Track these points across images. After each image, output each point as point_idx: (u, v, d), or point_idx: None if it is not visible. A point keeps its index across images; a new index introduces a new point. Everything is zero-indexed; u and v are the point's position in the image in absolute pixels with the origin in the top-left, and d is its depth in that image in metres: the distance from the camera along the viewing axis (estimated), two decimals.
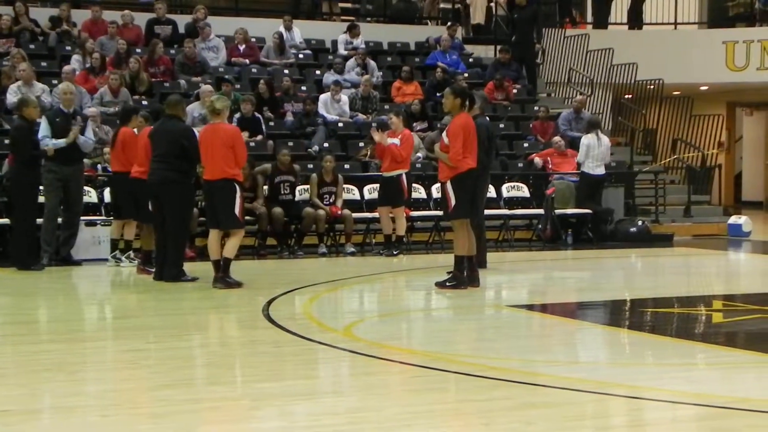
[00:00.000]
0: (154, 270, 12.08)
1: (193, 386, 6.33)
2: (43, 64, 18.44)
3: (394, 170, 14.96)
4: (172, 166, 11.59)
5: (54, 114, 13.88)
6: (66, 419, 5.41)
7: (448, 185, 10.82)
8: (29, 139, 13.22)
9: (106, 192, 15.09)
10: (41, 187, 13.77)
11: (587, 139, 17.38)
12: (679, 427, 5.35)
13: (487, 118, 14.21)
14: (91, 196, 15.06)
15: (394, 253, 14.95)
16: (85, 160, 15.09)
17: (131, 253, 13.64)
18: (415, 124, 18.92)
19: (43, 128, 13.53)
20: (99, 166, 15.77)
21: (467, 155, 10.71)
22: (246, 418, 5.42)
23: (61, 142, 13.44)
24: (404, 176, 15.05)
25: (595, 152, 17.33)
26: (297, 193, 15.76)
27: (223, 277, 11.05)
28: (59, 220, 13.83)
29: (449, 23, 22.74)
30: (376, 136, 15.13)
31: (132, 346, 8.03)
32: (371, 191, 16.23)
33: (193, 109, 16.72)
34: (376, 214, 15.46)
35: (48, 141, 13.41)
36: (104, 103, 17.19)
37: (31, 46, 18.97)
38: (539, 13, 22.42)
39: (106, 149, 15.34)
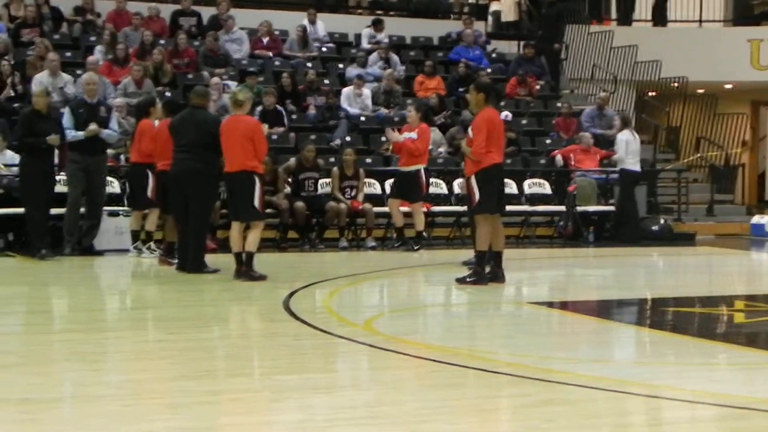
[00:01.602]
0: (176, 261, 12.11)
1: (214, 378, 6.34)
2: (68, 54, 18.52)
3: (412, 165, 14.86)
4: (199, 156, 11.56)
5: (78, 105, 13.94)
6: (85, 408, 5.44)
7: (473, 180, 10.80)
8: (24, 126, 13.22)
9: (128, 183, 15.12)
10: (62, 177, 13.86)
11: (624, 136, 17.17)
12: (699, 427, 5.33)
13: (506, 113, 14.19)
14: (113, 186, 15.12)
15: (415, 248, 14.91)
16: (109, 151, 15.14)
17: (152, 244, 13.68)
18: (434, 118, 18.89)
19: (66, 119, 13.60)
20: (122, 157, 15.81)
21: (492, 150, 10.68)
22: (265, 411, 5.44)
23: (80, 134, 13.49)
24: (422, 171, 14.99)
25: (632, 148, 17.19)
26: (319, 186, 15.78)
27: (247, 271, 11.07)
28: (82, 210, 13.90)
29: (465, 17, 22.72)
30: (390, 136, 15.12)
31: (153, 337, 8.08)
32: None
33: None
34: (405, 208, 15.36)
35: (69, 133, 13.47)
36: (128, 94, 17.25)
37: (55, 36, 19.04)
38: (565, 9, 22.38)
39: (129, 142, 15.41)
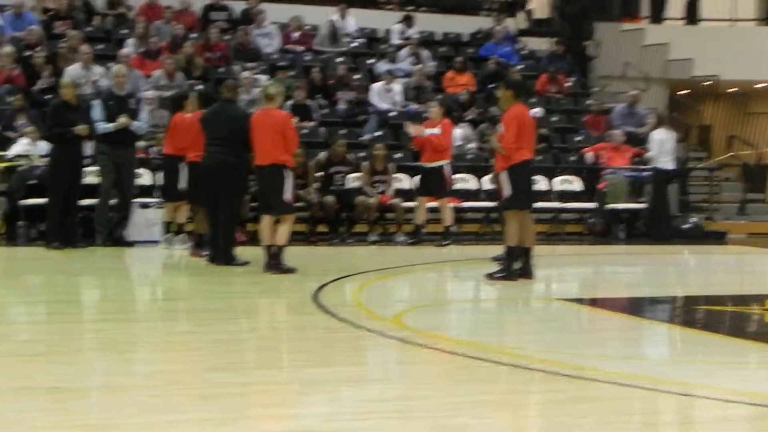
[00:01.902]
0: (206, 253, 12.14)
1: (242, 369, 6.35)
2: (99, 46, 18.59)
3: (435, 161, 14.88)
4: (231, 150, 11.58)
5: (107, 97, 14.01)
6: (115, 398, 5.45)
7: (503, 175, 10.77)
8: (52, 118, 13.31)
9: (159, 175, 15.20)
10: (94, 168, 13.94)
11: (659, 134, 17.07)
12: (730, 426, 5.29)
13: (536, 110, 14.16)
14: (145, 178, 15.18)
15: (444, 244, 14.88)
16: (140, 143, 15.23)
17: (183, 236, 13.73)
18: (464, 114, 18.88)
19: (97, 112, 13.67)
20: (153, 149, 15.87)
21: (522, 146, 10.65)
22: (294, 403, 5.43)
23: (110, 126, 13.56)
24: (446, 167, 14.98)
25: (667, 147, 17.08)
26: (349, 180, 15.77)
27: (276, 264, 11.08)
28: (113, 201, 13.98)
29: (496, 13, 22.67)
30: (412, 130, 15.10)
31: (183, 328, 8.10)
32: None
33: None
34: (433, 204, 15.34)
35: (100, 125, 13.54)
36: (159, 87, 17.31)
37: (88, 29, 19.13)
38: (589, 6, 22.30)
39: (161, 135, 15.47)
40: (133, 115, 13.86)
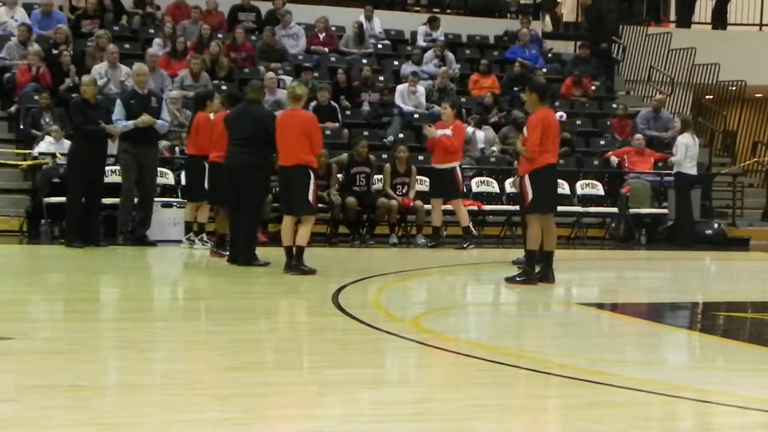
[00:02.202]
0: (227, 253, 12.18)
1: (261, 370, 6.37)
2: (126, 46, 18.69)
3: (447, 162, 14.82)
4: (254, 150, 11.59)
5: (129, 96, 14.05)
6: (134, 397, 5.48)
7: (527, 179, 10.76)
8: (79, 115, 13.39)
9: (182, 175, 15.28)
10: (115, 168, 14.02)
11: (684, 139, 16.96)
12: None
13: (561, 113, 14.11)
14: (168, 178, 15.24)
15: (465, 246, 14.86)
16: (163, 142, 15.29)
17: (204, 236, 13.78)
18: (488, 117, 18.88)
19: (117, 111, 13.71)
20: (177, 149, 15.95)
21: (547, 150, 10.63)
22: (312, 404, 5.45)
23: (130, 123, 13.61)
24: (458, 169, 14.92)
25: (692, 152, 16.99)
26: (371, 182, 15.78)
27: (297, 265, 11.10)
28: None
29: (521, 17, 22.66)
30: (427, 132, 15.08)
31: (202, 328, 8.13)
32: None
33: None
34: (449, 206, 15.33)
35: (119, 123, 13.60)
36: (185, 87, 17.38)
37: (115, 28, 19.23)
38: (604, 10, 22.26)
39: (184, 135, 15.53)
40: (155, 113, 13.90)
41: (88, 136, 13.29)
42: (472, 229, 15.42)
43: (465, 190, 15.75)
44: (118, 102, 13.93)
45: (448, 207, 15.21)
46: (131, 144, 13.74)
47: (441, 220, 15.26)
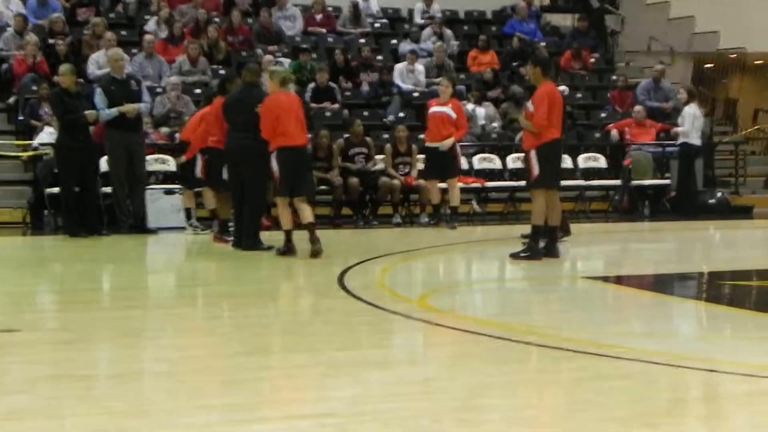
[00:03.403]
0: (231, 239, 12.17)
1: (269, 354, 6.39)
2: (123, 33, 18.64)
3: (447, 140, 14.63)
4: (255, 135, 11.51)
5: (108, 82, 13.95)
6: (142, 384, 5.50)
7: (532, 154, 10.73)
8: (58, 106, 13.33)
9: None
10: (104, 157, 13.99)
11: (691, 109, 16.89)
12: (757, 401, 5.28)
13: (564, 87, 14.04)
14: (169, 165, 15.23)
15: (455, 225, 14.65)
16: (164, 129, 15.26)
17: (194, 221, 13.86)
18: (488, 93, 18.83)
19: (98, 99, 13.63)
20: (176, 135, 15.91)
21: (552, 125, 10.61)
22: (320, 386, 5.46)
23: (114, 111, 13.53)
24: (457, 147, 14.82)
25: (698, 123, 16.92)
26: (373, 161, 15.72)
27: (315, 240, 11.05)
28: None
29: None
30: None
31: (208, 314, 8.15)
32: None
33: None
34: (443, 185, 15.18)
35: (102, 112, 13.51)
36: (183, 73, 17.35)
37: (111, 15, 19.18)
38: None
39: (186, 118, 15.48)
40: (136, 96, 13.83)
41: (69, 126, 13.23)
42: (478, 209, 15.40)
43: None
44: (98, 90, 13.83)
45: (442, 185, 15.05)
46: (117, 131, 13.67)
47: (439, 197, 15.12)
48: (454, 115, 14.63)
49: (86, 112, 13.24)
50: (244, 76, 12.13)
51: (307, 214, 11.09)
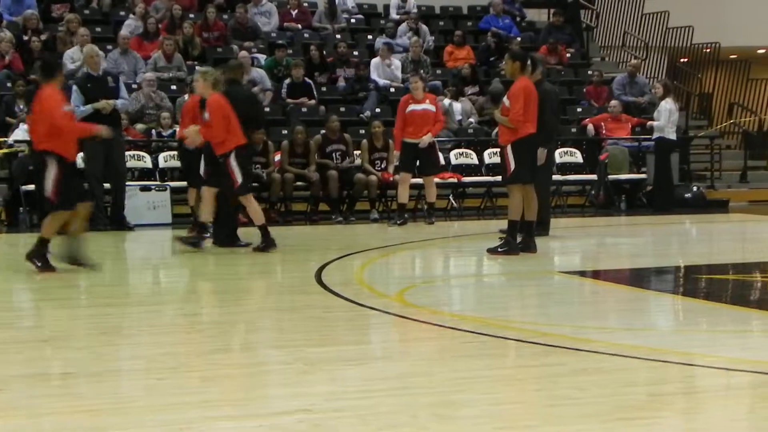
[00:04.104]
0: (208, 235, 12.13)
1: (247, 350, 6.38)
2: (98, 29, 18.56)
3: (425, 136, 14.50)
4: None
5: (84, 80, 13.86)
6: (121, 382, 5.48)
7: (508, 149, 10.75)
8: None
9: (160, 157, 15.22)
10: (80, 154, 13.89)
11: (668, 104, 16.93)
12: (734, 395, 5.31)
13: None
14: (145, 161, 15.17)
15: (433, 221, 14.67)
16: (138, 125, 15.20)
17: None
18: (466, 89, 18.85)
19: (74, 97, 13.55)
20: (153, 132, 15.88)
21: (528, 120, 10.63)
22: (298, 383, 5.45)
23: (88, 108, 13.43)
24: (436, 142, 14.80)
25: (674, 117, 16.98)
26: (350, 159, 15.69)
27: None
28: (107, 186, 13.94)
29: None
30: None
31: (186, 311, 8.12)
32: None
33: None
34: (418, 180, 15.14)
35: (77, 109, 13.45)
36: (158, 69, 17.28)
37: (86, 12, 19.09)
38: None
39: (164, 114, 15.45)
40: (113, 94, 13.74)
41: None
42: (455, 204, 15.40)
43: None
44: (74, 88, 13.75)
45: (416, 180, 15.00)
46: None
47: (407, 196, 14.87)
48: (434, 110, 14.61)
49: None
50: (225, 73, 12.07)
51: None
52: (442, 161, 16.20)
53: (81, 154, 13.85)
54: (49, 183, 9.36)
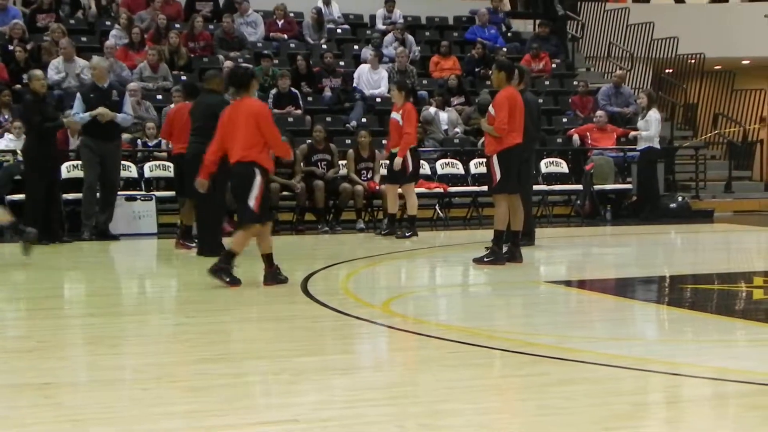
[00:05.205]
0: (194, 245, 12.12)
1: (233, 360, 6.36)
2: (84, 39, 18.54)
3: (397, 147, 14.04)
4: (207, 141, 11.46)
5: (88, 90, 13.90)
6: (106, 392, 5.46)
7: (494, 159, 10.76)
8: (36, 112, 13.20)
9: (146, 167, 15.20)
10: (77, 162, 13.88)
11: (657, 114, 17.04)
12: (720, 404, 5.32)
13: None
14: (131, 171, 15.14)
15: (407, 235, 14.08)
16: (125, 136, 15.17)
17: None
18: (452, 99, 18.89)
19: (77, 105, 13.58)
20: (139, 142, 15.85)
21: (513, 129, 10.64)
22: (284, 393, 5.45)
23: (86, 115, 13.46)
24: (407, 153, 14.37)
25: (660, 127, 17.12)
26: (335, 169, 15.67)
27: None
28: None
29: None
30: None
31: (172, 321, 8.10)
32: None
33: None
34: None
35: (77, 116, 13.48)
36: (144, 79, 17.27)
37: (71, 21, 19.07)
38: None
39: (149, 124, 15.44)
40: (117, 107, 13.75)
41: (44, 133, 13.12)
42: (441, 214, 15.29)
43: (413, 174, 14.98)
44: (78, 96, 13.80)
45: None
46: (92, 138, 13.62)
47: (396, 206, 14.56)
48: (400, 121, 14.23)
49: (68, 119, 13.29)
50: (203, 83, 12.14)
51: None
52: (428, 170, 16.19)
53: (79, 162, 13.90)
54: (254, 195, 9.19)
